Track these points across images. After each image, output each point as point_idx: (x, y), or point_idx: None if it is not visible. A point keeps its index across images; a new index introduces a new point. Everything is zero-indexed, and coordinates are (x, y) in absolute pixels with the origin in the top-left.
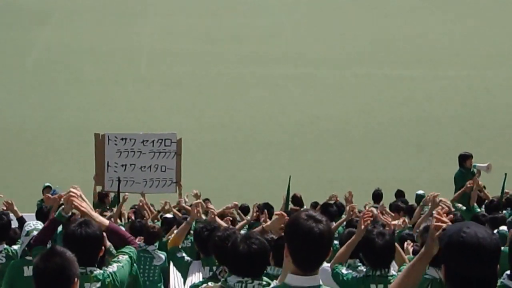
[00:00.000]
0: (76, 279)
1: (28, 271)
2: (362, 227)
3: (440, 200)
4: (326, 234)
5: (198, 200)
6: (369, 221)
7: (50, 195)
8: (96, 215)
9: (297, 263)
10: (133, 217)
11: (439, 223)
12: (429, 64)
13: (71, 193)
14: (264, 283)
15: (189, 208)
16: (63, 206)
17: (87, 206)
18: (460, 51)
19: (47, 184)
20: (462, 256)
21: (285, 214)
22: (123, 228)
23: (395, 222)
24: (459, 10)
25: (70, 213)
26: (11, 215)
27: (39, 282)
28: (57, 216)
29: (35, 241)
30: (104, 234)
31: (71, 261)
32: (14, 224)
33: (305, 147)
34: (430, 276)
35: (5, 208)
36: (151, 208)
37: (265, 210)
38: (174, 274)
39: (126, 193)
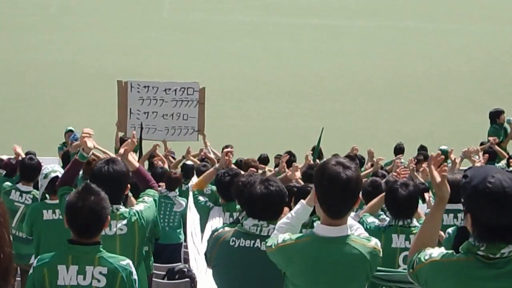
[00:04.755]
0: (108, 217)
1: (47, 214)
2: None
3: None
4: (354, 180)
5: (230, 149)
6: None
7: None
8: (131, 156)
9: (324, 209)
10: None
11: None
12: (453, 17)
13: (84, 133)
14: None
15: (213, 157)
16: (83, 147)
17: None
18: (483, 5)
19: (69, 128)
20: (488, 206)
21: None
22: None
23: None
24: None
25: (90, 153)
26: None
27: (73, 219)
28: (79, 157)
29: (60, 182)
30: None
31: (105, 200)
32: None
33: (325, 98)
34: None
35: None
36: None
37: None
38: (192, 220)
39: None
